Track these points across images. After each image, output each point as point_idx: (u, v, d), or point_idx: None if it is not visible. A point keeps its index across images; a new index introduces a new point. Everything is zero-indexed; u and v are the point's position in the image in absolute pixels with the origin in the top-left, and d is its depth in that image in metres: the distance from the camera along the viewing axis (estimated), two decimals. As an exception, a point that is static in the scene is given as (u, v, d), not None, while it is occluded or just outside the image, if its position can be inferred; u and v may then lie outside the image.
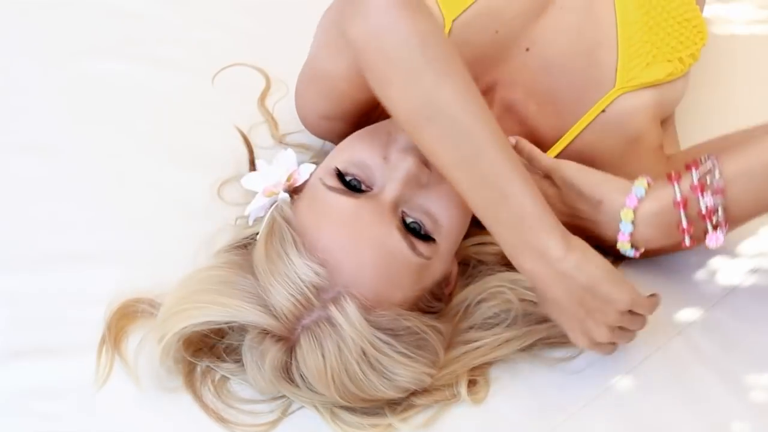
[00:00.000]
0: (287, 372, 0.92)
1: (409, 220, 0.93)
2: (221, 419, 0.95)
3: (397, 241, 0.90)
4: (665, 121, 1.12)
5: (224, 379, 0.97)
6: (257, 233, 0.97)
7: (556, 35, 1.06)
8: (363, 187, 0.93)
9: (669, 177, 0.93)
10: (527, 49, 1.06)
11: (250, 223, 1.03)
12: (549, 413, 0.98)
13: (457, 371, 0.97)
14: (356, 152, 0.95)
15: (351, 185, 0.93)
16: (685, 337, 1.04)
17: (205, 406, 0.96)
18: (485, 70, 1.07)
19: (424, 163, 0.93)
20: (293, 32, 1.21)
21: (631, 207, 0.94)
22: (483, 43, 1.06)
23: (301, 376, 0.91)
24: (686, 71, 1.08)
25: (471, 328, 0.99)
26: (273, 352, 0.90)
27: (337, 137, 1.03)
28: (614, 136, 1.05)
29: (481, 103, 0.87)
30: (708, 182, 0.91)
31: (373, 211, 0.91)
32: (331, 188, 0.92)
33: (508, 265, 0.95)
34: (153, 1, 1.38)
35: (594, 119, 1.05)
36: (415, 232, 0.93)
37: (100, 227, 1.07)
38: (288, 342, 0.91)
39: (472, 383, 0.98)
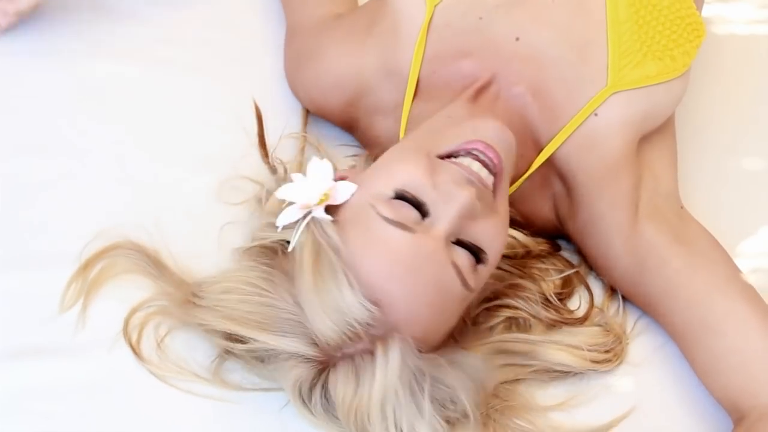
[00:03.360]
0: (308, 391, 0.91)
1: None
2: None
3: (452, 277, 0.89)
4: (663, 127, 1.10)
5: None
6: (285, 240, 0.94)
7: (545, 27, 1.06)
8: (422, 211, 0.90)
9: None
10: (517, 39, 1.06)
11: (279, 230, 0.95)
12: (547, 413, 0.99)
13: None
14: (404, 175, 0.91)
15: (411, 201, 0.90)
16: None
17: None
18: (481, 61, 1.06)
19: (477, 196, 0.91)
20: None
21: None
22: (467, 30, 1.06)
23: (326, 398, 0.90)
24: (683, 72, 1.07)
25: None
26: (300, 370, 0.90)
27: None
28: (599, 150, 1.04)
29: None
30: None
31: (428, 247, 0.88)
32: (388, 220, 0.88)
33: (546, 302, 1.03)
34: (153, 1, 1.38)
35: (584, 121, 1.04)
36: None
37: (101, 227, 1.07)
38: (321, 365, 0.90)
39: None
